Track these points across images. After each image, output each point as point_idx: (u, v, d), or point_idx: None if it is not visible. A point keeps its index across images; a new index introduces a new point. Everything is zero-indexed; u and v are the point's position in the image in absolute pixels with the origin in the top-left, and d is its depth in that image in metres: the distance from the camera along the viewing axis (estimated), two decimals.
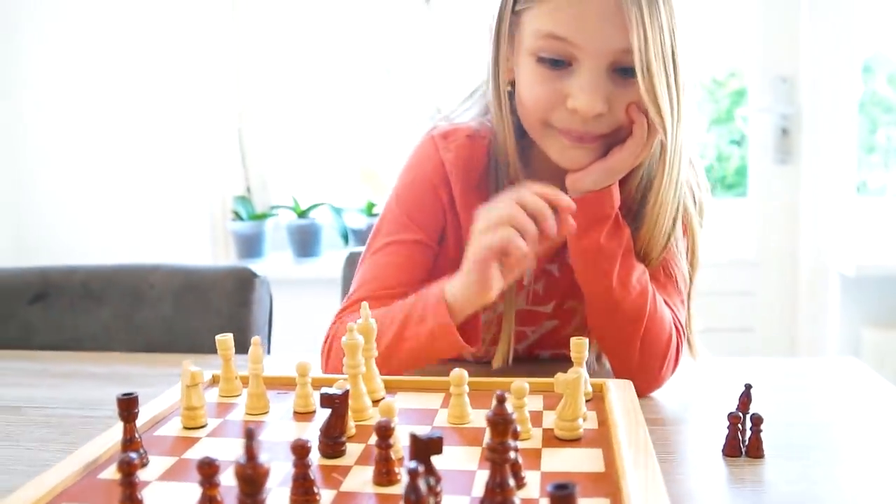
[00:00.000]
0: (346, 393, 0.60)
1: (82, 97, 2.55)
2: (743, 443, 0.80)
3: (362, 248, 1.08)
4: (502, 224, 0.84)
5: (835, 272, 2.42)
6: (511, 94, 0.99)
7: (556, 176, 0.99)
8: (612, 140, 0.95)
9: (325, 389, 0.60)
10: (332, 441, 0.60)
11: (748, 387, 0.82)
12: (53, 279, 1.31)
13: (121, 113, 2.54)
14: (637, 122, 0.93)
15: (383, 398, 0.73)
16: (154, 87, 2.52)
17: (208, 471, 0.49)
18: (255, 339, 0.71)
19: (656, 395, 0.99)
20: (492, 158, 1.02)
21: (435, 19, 2.47)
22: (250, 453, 0.42)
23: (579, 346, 0.71)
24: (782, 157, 2.48)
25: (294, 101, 2.69)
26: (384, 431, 0.54)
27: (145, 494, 0.54)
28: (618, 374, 1.00)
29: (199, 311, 1.25)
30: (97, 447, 0.60)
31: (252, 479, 0.42)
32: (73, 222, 2.60)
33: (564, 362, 1.09)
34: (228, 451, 0.61)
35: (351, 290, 1.05)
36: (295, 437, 0.63)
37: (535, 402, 0.70)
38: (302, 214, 2.57)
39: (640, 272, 0.97)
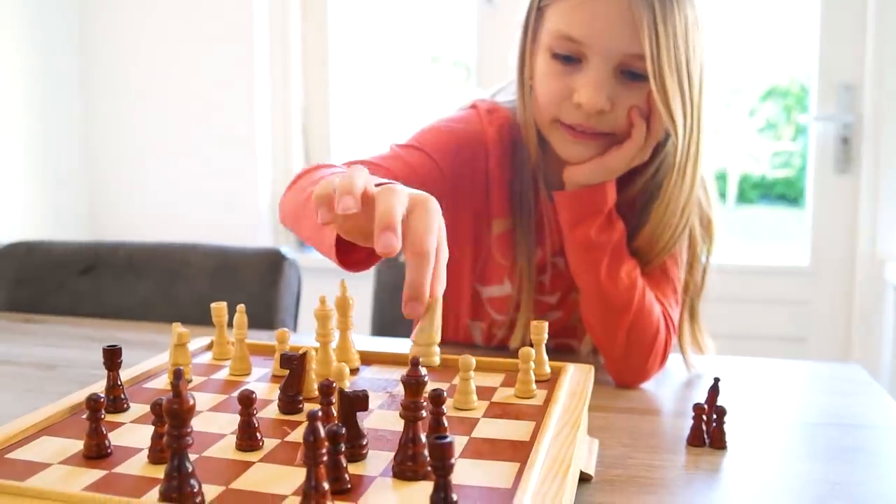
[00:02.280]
0: (304, 355, 0.66)
1: (154, 85, 2.70)
2: (707, 433, 0.83)
3: None
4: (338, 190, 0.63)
5: (891, 285, 2.36)
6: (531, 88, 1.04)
7: (558, 170, 1.04)
8: (613, 141, 0.99)
9: (285, 352, 0.66)
10: (289, 399, 0.66)
11: (716, 380, 0.85)
12: (102, 253, 1.41)
13: (190, 104, 2.68)
14: (636, 124, 0.97)
15: (357, 368, 0.78)
16: (222, 82, 2.65)
17: (158, 410, 0.56)
18: (240, 307, 0.78)
19: (644, 387, 1.02)
20: (519, 146, 1.07)
21: (496, 15, 2.52)
22: (176, 390, 0.48)
23: (539, 329, 0.75)
24: (842, 167, 2.44)
25: (356, 92, 2.78)
26: (326, 390, 0.59)
27: (117, 433, 0.62)
28: (607, 365, 1.04)
29: (231, 288, 1.34)
30: (85, 393, 0.68)
31: (177, 413, 0.48)
32: (143, 201, 2.76)
33: (568, 352, 1.14)
34: (201, 404, 0.68)
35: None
36: (267, 395, 0.70)
37: (493, 379, 0.74)
38: None
39: (630, 267, 1.00)
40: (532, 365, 0.71)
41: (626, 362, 1.01)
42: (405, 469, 0.53)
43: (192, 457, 0.57)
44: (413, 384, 0.53)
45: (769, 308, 2.55)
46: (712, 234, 1.08)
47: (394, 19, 2.79)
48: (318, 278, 1.91)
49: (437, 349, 0.63)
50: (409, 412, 0.54)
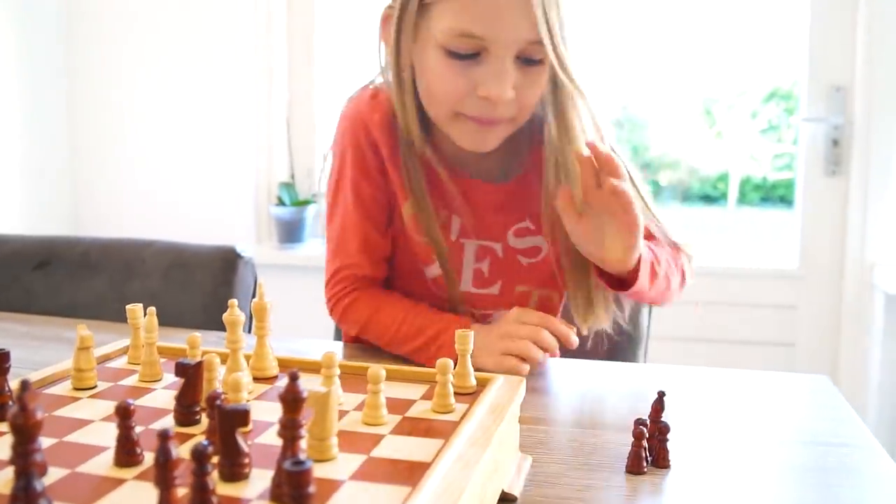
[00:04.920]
0: (199, 364, 0.62)
1: (139, 84, 2.67)
2: (650, 452, 0.78)
3: None
4: (523, 340, 0.97)
5: (880, 291, 2.31)
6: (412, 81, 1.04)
7: (457, 151, 1.06)
8: (513, 124, 1.02)
9: (180, 359, 0.62)
10: (185, 410, 0.62)
11: (661, 394, 0.80)
12: (57, 248, 1.38)
13: (175, 99, 2.65)
14: (627, 206, 0.94)
15: (275, 376, 0.74)
16: (207, 76, 2.62)
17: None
18: (151, 310, 0.74)
19: (594, 400, 0.98)
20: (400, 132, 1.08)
21: None
22: (21, 403, 0.44)
23: (463, 339, 0.70)
24: (832, 169, 2.39)
25: (341, 92, 2.74)
26: (211, 401, 0.55)
27: None
28: None
29: (185, 287, 1.30)
30: None
31: (22, 428, 0.44)
32: (126, 199, 2.73)
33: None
34: (95, 412, 0.64)
35: (330, 252, 1.13)
36: (172, 404, 0.66)
37: (414, 391, 0.70)
38: None
39: (649, 260, 1.03)
40: (451, 378, 0.67)
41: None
42: (281, 493, 0.49)
43: (63, 472, 0.53)
44: (290, 400, 0.49)
45: (757, 312, 2.51)
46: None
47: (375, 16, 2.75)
48: (274, 275, 1.88)
49: (334, 441, 0.56)
50: (287, 430, 0.50)
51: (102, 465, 0.55)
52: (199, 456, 0.47)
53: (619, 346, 1.33)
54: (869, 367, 2.37)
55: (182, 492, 0.47)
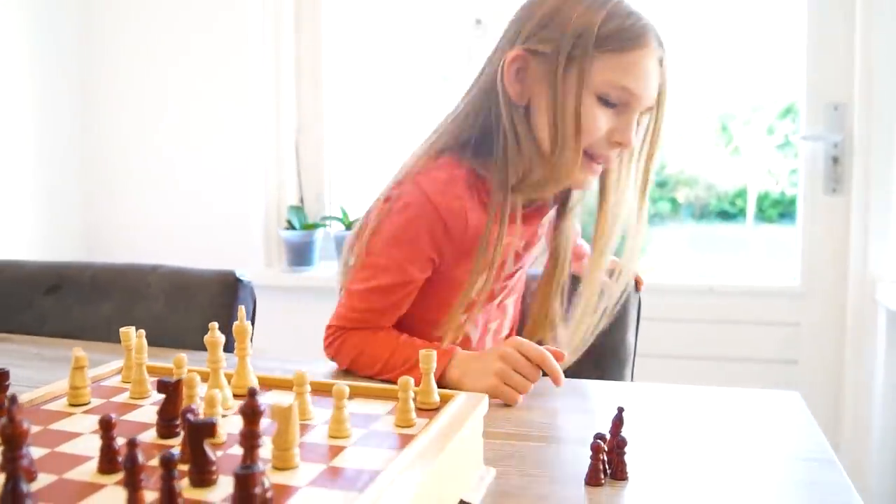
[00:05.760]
0: (178, 382, 0.68)
1: (149, 108, 2.76)
2: (609, 465, 0.83)
3: None
4: (504, 379, 1.05)
5: (882, 307, 2.33)
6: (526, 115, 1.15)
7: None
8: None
9: (162, 378, 0.68)
10: (166, 423, 0.68)
11: (620, 410, 0.85)
12: (67, 273, 1.45)
13: (184, 124, 2.74)
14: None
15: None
16: (217, 100, 2.70)
17: None
18: (140, 332, 0.80)
19: (563, 415, 1.03)
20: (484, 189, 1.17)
21: (486, 37, 2.55)
22: (10, 415, 0.51)
23: (428, 359, 0.76)
24: (833, 187, 2.42)
25: (349, 117, 2.82)
26: (183, 415, 0.61)
27: None
28: None
29: (187, 310, 1.37)
30: None
31: (10, 437, 0.51)
32: (137, 222, 2.81)
33: None
34: (86, 426, 0.70)
35: (346, 300, 1.20)
36: (156, 418, 0.72)
37: (381, 407, 0.76)
38: (349, 226, 2.68)
39: None
40: (412, 394, 0.72)
41: None
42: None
43: (52, 478, 0.59)
44: (248, 413, 0.55)
45: (759, 329, 2.53)
46: None
47: (382, 39, 2.82)
48: (283, 298, 1.91)
49: (296, 451, 0.61)
50: (246, 440, 0.55)
51: (87, 472, 0.61)
52: (167, 462, 0.53)
53: (606, 365, 1.38)
54: (872, 384, 2.39)
55: (153, 495, 0.53)
